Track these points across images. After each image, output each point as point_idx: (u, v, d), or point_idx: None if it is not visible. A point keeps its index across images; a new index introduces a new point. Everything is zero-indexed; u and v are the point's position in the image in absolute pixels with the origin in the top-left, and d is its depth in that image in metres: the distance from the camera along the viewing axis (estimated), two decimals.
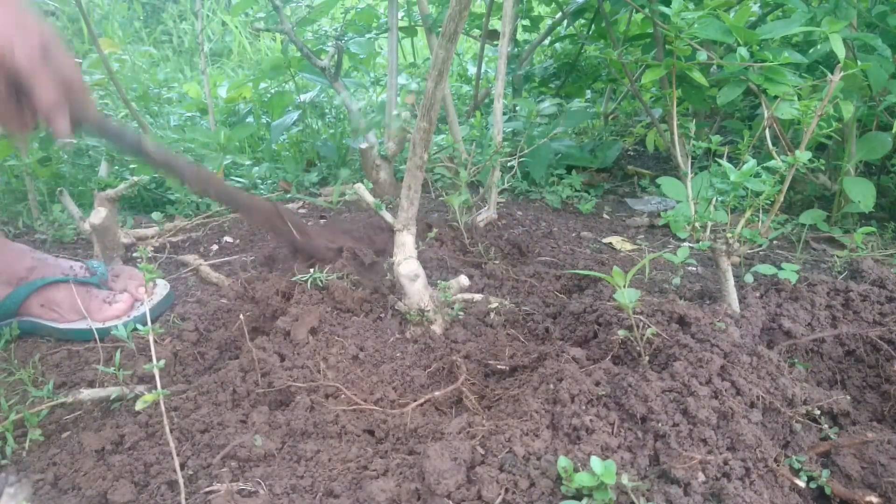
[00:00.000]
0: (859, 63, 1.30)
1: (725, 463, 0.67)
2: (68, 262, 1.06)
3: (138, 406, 0.63)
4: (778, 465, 0.69)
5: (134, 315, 1.01)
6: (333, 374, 0.86)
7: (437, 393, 0.84)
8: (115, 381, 0.83)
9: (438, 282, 0.99)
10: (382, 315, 1.00)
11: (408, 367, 0.87)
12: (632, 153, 2.36)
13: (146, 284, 1.04)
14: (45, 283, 0.98)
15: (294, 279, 1.03)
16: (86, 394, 0.79)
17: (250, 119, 2.37)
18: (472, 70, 2.82)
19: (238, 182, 1.80)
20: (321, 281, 1.02)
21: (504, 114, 1.90)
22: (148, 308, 1.02)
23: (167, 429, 0.62)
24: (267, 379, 0.84)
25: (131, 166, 1.63)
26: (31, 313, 0.98)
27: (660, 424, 0.71)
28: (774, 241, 1.51)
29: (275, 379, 0.83)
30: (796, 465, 0.70)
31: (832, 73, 0.93)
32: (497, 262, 1.24)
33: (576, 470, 0.62)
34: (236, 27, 3.94)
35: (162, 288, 1.08)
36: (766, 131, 1.07)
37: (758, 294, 1.03)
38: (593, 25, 2.11)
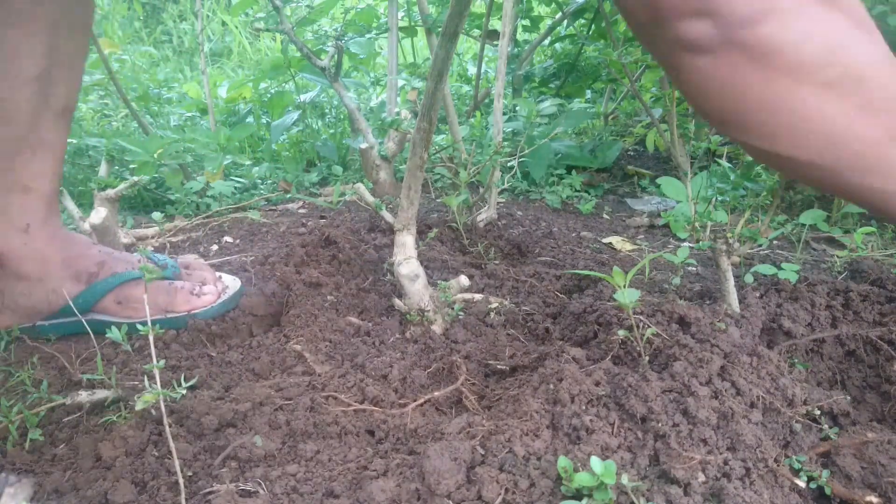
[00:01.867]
0: None
1: (725, 463, 0.67)
2: (135, 256, 1.02)
3: (138, 406, 0.63)
4: (778, 466, 0.69)
5: (204, 311, 0.99)
6: (333, 374, 0.86)
7: (436, 393, 0.84)
8: (114, 383, 0.83)
9: (438, 282, 0.99)
10: (382, 315, 1.00)
11: (408, 367, 0.87)
12: (632, 153, 2.37)
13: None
14: (122, 281, 0.95)
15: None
16: (84, 395, 0.79)
17: (250, 119, 2.37)
18: (472, 70, 2.82)
19: (238, 182, 1.80)
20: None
21: (504, 114, 1.90)
22: (226, 298, 1.01)
23: (167, 429, 0.62)
24: (267, 379, 0.84)
25: (131, 166, 1.63)
26: (105, 311, 0.96)
27: (660, 424, 0.71)
28: (774, 241, 1.51)
29: (275, 379, 0.83)
30: (796, 466, 0.70)
31: None
32: (497, 262, 1.24)
33: (576, 470, 0.62)
34: (236, 27, 3.94)
35: (233, 282, 1.06)
36: None
37: (758, 294, 1.03)
38: (593, 25, 2.11)
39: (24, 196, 0.93)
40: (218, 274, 1.10)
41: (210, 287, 1.01)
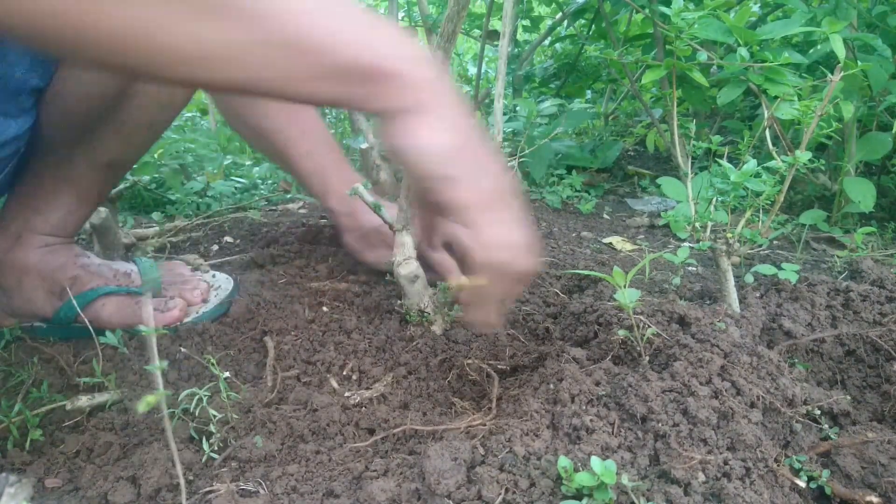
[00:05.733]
0: (859, 63, 1.30)
1: (725, 463, 0.67)
2: (111, 268, 1.02)
3: (140, 408, 0.63)
4: (778, 465, 0.69)
5: (193, 318, 0.98)
6: (332, 374, 0.86)
7: (437, 393, 0.84)
8: (113, 385, 0.83)
9: (438, 282, 0.99)
10: (382, 316, 1.00)
11: (408, 367, 0.87)
12: (632, 153, 2.36)
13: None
14: (94, 297, 0.96)
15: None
16: (84, 399, 0.79)
17: None
18: (472, 70, 2.82)
19: (238, 182, 1.80)
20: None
21: (504, 114, 1.90)
22: (204, 310, 0.99)
23: (168, 431, 0.62)
24: (267, 379, 0.84)
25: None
26: (82, 324, 0.96)
27: (660, 424, 0.71)
28: (775, 241, 1.51)
29: (274, 380, 0.84)
30: (796, 465, 0.70)
31: (832, 73, 0.93)
32: None
33: (576, 470, 0.62)
34: None
35: (224, 288, 1.04)
36: (767, 131, 1.07)
37: (758, 294, 1.03)
38: (593, 26, 2.11)
39: (34, 215, 0.96)
40: (212, 273, 1.10)
41: (176, 302, 0.98)
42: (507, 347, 0.91)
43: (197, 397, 0.72)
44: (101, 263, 1.02)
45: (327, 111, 2.37)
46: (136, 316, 0.96)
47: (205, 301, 1.01)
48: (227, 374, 0.78)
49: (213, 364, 0.77)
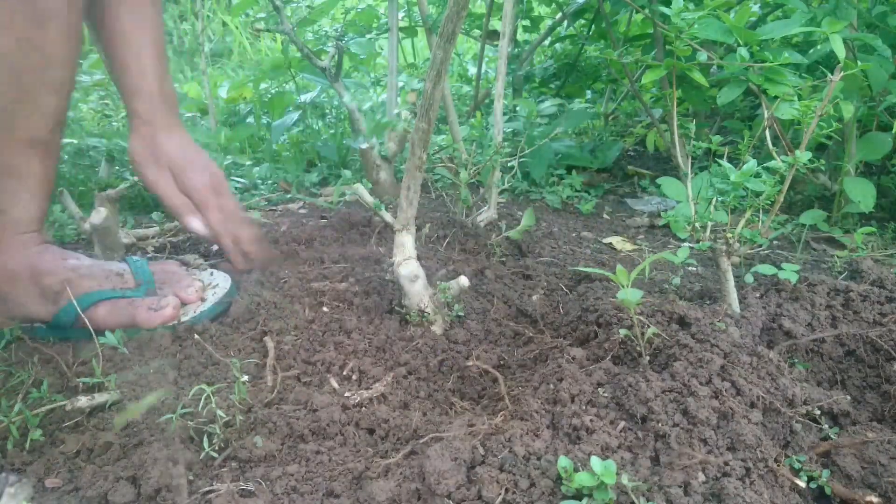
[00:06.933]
0: (859, 63, 1.30)
1: (726, 463, 0.67)
2: (104, 270, 1.01)
3: (143, 408, 0.63)
4: (778, 465, 0.69)
5: (191, 317, 0.98)
6: (332, 374, 0.86)
7: (437, 393, 0.84)
8: (113, 386, 0.83)
9: (438, 282, 0.99)
10: (383, 316, 1.00)
11: (408, 367, 0.87)
12: (632, 153, 2.36)
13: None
14: (89, 304, 0.95)
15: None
16: (83, 400, 0.79)
17: (251, 119, 2.37)
18: (472, 70, 2.82)
19: (238, 182, 1.80)
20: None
21: (504, 114, 1.90)
22: (202, 310, 0.99)
23: (173, 430, 0.62)
24: (267, 380, 0.84)
25: (132, 166, 1.63)
26: (80, 326, 0.95)
27: (660, 424, 0.71)
28: (774, 242, 1.51)
29: (274, 380, 0.83)
30: (796, 465, 0.70)
31: (832, 73, 0.93)
32: (497, 261, 1.24)
33: (576, 470, 0.62)
34: (237, 27, 3.94)
35: (222, 286, 1.04)
36: (766, 131, 1.07)
37: (758, 294, 1.03)
38: (593, 26, 2.11)
39: None
40: (210, 271, 1.10)
41: (169, 300, 0.98)
42: (508, 347, 0.91)
43: (206, 395, 0.72)
44: (91, 264, 1.01)
45: (328, 110, 2.37)
46: (130, 317, 0.96)
47: (202, 300, 1.01)
48: (245, 377, 0.77)
49: (236, 367, 0.77)
